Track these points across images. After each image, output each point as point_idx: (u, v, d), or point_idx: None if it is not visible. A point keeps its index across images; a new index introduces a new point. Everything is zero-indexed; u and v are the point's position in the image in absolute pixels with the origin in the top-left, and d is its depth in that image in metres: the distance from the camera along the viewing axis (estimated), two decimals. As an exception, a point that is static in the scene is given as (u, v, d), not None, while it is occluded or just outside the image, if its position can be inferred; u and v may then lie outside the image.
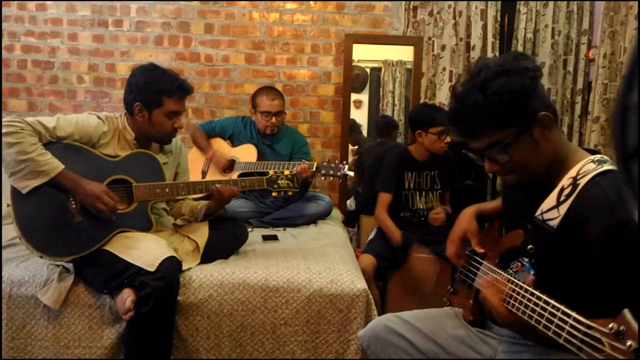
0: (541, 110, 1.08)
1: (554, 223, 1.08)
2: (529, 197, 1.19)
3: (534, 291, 0.99)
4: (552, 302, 0.93)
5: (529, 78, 1.07)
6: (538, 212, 1.12)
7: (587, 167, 1.07)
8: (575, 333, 0.85)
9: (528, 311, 0.99)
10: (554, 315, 0.91)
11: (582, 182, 1.06)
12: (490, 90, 1.06)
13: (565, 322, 0.88)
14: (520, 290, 1.04)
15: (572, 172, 1.09)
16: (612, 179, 1.03)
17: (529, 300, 1.00)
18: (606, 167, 1.06)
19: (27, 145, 1.65)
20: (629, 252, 0.94)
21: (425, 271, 2.33)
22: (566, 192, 1.08)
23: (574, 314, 0.88)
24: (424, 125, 2.55)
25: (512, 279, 1.10)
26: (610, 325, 0.78)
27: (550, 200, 1.10)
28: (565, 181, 1.09)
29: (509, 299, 1.07)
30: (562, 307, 0.91)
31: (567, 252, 1.07)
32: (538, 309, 0.96)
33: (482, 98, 1.07)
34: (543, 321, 0.94)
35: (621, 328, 0.76)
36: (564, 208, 1.07)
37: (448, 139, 2.51)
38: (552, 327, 0.91)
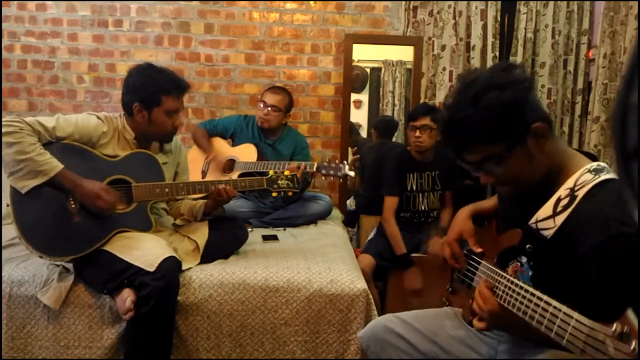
0: (535, 121, 1.07)
1: (549, 233, 1.08)
2: (524, 203, 1.18)
3: (535, 292, 0.99)
4: (554, 303, 0.93)
5: (520, 90, 1.06)
6: (533, 219, 1.12)
7: (584, 178, 1.06)
8: (578, 335, 0.84)
9: (529, 311, 0.99)
10: (556, 316, 0.91)
11: (580, 194, 1.05)
12: (482, 105, 1.05)
13: (568, 324, 0.87)
14: (520, 291, 1.03)
15: (570, 183, 1.08)
16: (609, 190, 1.02)
17: (530, 300, 0.99)
18: (603, 176, 1.05)
19: (26, 145, 1.65)
20: (620, 266, 0.94)
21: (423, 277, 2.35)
22: (563, 203, 1.07)
23: (575, 315, 0.87)
24: (405, 123, 2.59)
25: (511, 278, 1.10)
26: (614, 327, 0.77)
27: (546, 209, 1.09)
28: (563, 192, 1.08)
29: (508, 298, 1.06)
30: (564, 309, 0.90)
31: (559, 262, 1.07)
32: (539, 310, 0.95)
33: (473, 112, 1.06)
34: (545, 321, 0.93)
35: (625, 329, 0.75)
36: (560, 219, 1.06)
37: (417, 133, 2.49)
38: (555, 327, 0.90)
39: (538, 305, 0.96)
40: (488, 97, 1.05)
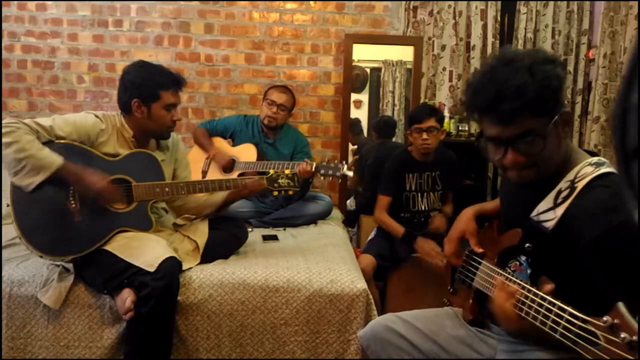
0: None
1: (550, 225, 1.09)
2: (526, 197, 1.19)
3: (531, 288, 1.00)
4: (549, 298, 0.95)
5: (565, 69, 1.09)
6: (534, 212, 1.13)
7: (585, 170, 1.08)
8: (571, 327, 0.86)
9: (525, 308, 1.00)
10: (550, 311, 0.92)
11: (580, 185, 1.06)
12: (539, 75, 1.03)
13: (561, 317, 0.89)
14: (522, 291, 1.04)
15: (570, 175, 1.09)
16: (610, 182, 1.03)
17: (526, 297, 1.01)
18: (604, 169, 1.06)
19: (25, 142, 1.65)
20: (621, 256, 0.94)
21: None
22: (563, 194, 1.08)
23: (569, 309, 0.89)
24: (408, 124, 2.59)
25: (509, 276, 1.11)
26: (605, 319, 0.79)
27: (547, 201, 1.11)
28: (563, 184, 1.09)
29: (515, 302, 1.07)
30: (558, 303, 0.92)
31: (561, 253, 1.08)
32: (535, 305, 0.97)
33: (531, 82, 1.03)
34: (540, 317, 0.95)
35: (615, 321, 0.77)
36: (560, 210, 1.08)
37: (425, 136, 2.49)
38: (549, 322, 0.92)
39: (534, 301, 0.98)
40: (544, 69, 1.04)
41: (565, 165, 1.12)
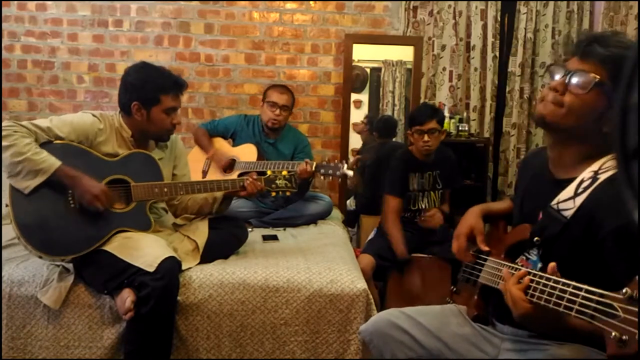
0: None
1: (568, 214, 1.10)
2: (544, 187, 1.20)
3: (543, 274, 1.01)
4: (563, 280, 0.95)
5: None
6: (554, 201, 1.14)
7: (610, 163, 1.08)
8: (588, 303, 0.87)
9: (537, 293, 1.00)
10: (565, 292, 0.93)
11: (603, 177, 1.07)
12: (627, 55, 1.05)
13: (577, 296, 0.90)
14: (533, 277, 1.04)
15: (595, 166, 1.10)
16: None
17: (537, 282, 1.01)
18: None
19: (21, 146, 1.66)
20: None
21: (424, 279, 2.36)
22: (585, 184, 1.09)
23: (585, 287, 0.89)
24: (409, 124, 2.60)
25: (517, 267, 1.11)
26: (624, 291, 0.79)
27: (568, 191, 1.12)
28: (586, 174, 1.10)
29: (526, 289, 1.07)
30: (573, 283, 0.92)
31: (577, 242, 1.09)
32: (547, 289, 0.97)
33: (623, 52, 1.05)
34: (553, 299, 0.95)
35: (634, 294, 0.78)
36: (580, 200, 1.09)
37: (426, 137, 2.49)
38: (564, 302, 0.92)
39: (546, 285, 0.98)
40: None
41: (592, 154, 1.12)
